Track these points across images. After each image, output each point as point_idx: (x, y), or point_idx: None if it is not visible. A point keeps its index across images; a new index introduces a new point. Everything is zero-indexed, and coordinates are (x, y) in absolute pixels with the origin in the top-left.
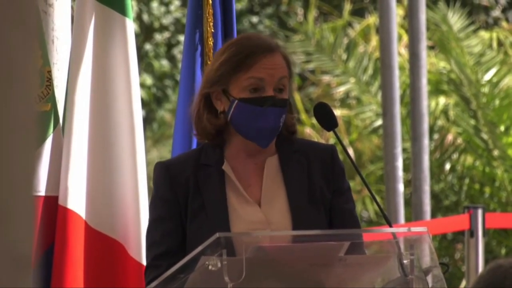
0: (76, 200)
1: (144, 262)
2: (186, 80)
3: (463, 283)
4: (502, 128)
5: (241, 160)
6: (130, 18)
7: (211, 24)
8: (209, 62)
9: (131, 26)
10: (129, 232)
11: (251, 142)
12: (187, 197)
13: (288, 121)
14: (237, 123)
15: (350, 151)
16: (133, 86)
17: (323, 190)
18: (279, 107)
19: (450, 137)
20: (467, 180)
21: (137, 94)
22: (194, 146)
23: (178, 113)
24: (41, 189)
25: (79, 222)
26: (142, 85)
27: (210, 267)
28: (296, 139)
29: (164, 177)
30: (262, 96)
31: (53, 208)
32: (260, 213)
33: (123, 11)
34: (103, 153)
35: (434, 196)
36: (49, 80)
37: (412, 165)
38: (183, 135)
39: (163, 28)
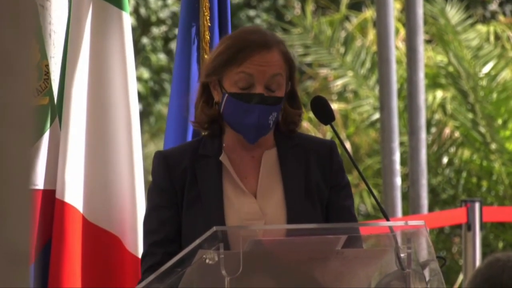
0: (74, 193)
1: (140, 256)
2: (180, 74)
3: (461, 276)
4: (499, 121)
5: (239, 152)
6: (127, 12)
7: (208, 18)
8: (205, 56)
9: (128, 20)
10: (126, 226)
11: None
12: (183, 187)
13: (291, 117)
14: (227, 116)
15: (347, 145)
16: (130, 80)
17: (320, 186)
18: (267, 105)
19: (447, 130)
20: (464, 174)
21: (134, 88)
22: (187, 139)
23: (171, 106)
24: (39, 183)
25: (76, 215)
26: (139, 79)
27: (207, 260)
28: (295, 134)
29: (162, 167)
30: (250, 92)
31: (51, 201)
32: (255, 204)
33: (120, 4)
34: (100, 147)
35: (432, 190)
36: (47, 74)
37: (409, 159)
38: (176, 129)
39: (160, 22)
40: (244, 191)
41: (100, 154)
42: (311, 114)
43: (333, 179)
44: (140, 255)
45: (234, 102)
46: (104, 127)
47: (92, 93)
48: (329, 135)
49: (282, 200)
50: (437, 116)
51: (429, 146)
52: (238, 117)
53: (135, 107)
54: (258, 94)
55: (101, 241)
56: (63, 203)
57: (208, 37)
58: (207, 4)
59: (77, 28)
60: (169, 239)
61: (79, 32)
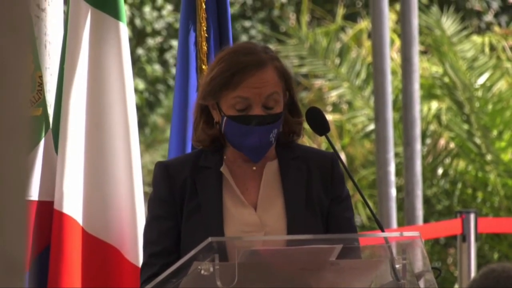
0: (72, 204)
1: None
2: (180, 85)
3: (456, 287)
4: (495, 132)
5: (240, 164)
6: (124, 22)
7: (205, 28)
8: (203, 67)
9: (125, 30)
10: (125, 236)
11: None
12: (183, 197)
13: (292, 126)
14: (228, 138)
15: (342, 156)
16: (127, 89)
17: (320, 198)
18: (267, 124)
19: (442, 141)
20: (459, 185)
21: (131, 97)
22: (188, 149)
23: (174, 117)
24: (34, 194)
25: (75, 226)
26: (135, 89)
27: (202, 271)
28: (297, 146)
29: (163, 177)
30: (248, 115)
31: (46, 212)
32: (254, 216)
33: (116, 15)
34: (98, 158)
35: (427, 201)
36: (40, 85)
37: (404, 169)
38: (178, 139)
39: (155, 33)
40: (244, 203)
41: (98, 165)
42: (306, 125)
43: (334, 191)
44: (140, 265)
45: (233, 124)
46: (103, 137)
47: (90, 103)
48: (324, 146)
49: (283, 212)
50: (432, 127)
51: (424, 157)
52: (239, 139)
53: (133, 117)
54: (256, 116)
55: (100, 253)
56: (61, 214)
57: (206, 48)
58: (204, 15)
59: (75, 39)
60: (168, 251)
61: (76, 43)
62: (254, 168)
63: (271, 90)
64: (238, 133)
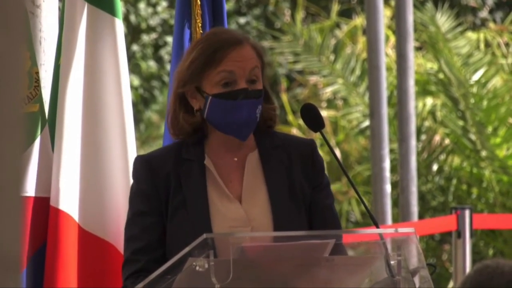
0: (68, 201)
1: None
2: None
3: (451, 284)
4: (490, 128)
5: (222, 156)
6: (120, 18)
7: (200, 25)
8: None
9: (120, 26)
10: (121, 232)
11: (231, 137)
12: (168, 192)
13: (267, 113)
14: (213, 119)
15: (337, 152)
16: (123, 86)
17: (303, 186)
18: (253, 98)
19: (437, 138)
20: (454, 181)
21: (127, 94)
22: None
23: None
24: (30, 190)
25: (71, 223)
26: (129, 86)
27: (197, 268)
28: (276, 134)
29: (145, 171)
30: (235, 89)
31: (43, 208)
32: (241, 210)
33: (112, 11)
34: (94, 154)
35: (422, 197)
36: (37, 81)
37: (399, 166)
38: None
39: (150, 29)
40: (229, 197)
41: (94, 161)
42: (301, 121)
43: (315, 179)
44: None
45: (219, 102)
46: (99, 134)
47: (86, 99)
48: (318, 142)
49: (267, 204)
50: (427, 123)
51: (419, 153)
52: (226, 116)
53: (129, 114)
54: (242, 89)
55: (96, 249)
56: (57, 211)
57: None
58: (199, 11)
59: (71, 35)
60: (152, 246)
61: (72, 39)
62: (236, 159)
63: (253, 64)
64: (225, 110)
